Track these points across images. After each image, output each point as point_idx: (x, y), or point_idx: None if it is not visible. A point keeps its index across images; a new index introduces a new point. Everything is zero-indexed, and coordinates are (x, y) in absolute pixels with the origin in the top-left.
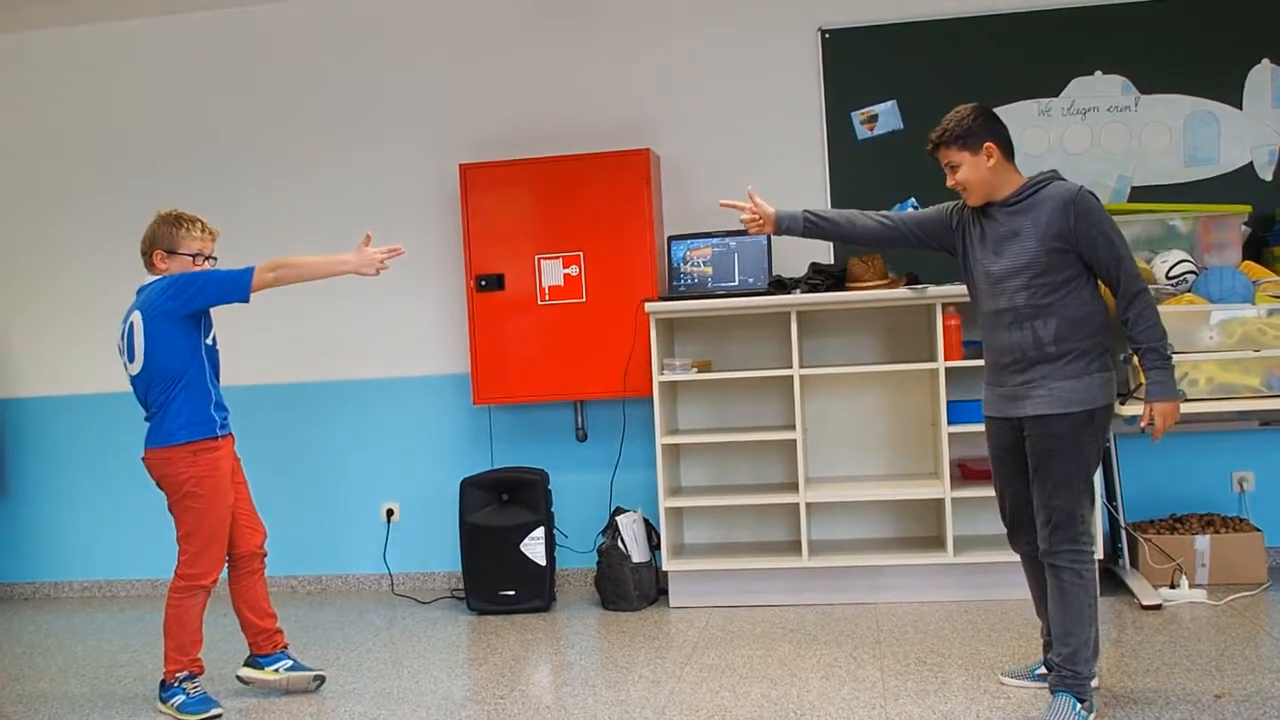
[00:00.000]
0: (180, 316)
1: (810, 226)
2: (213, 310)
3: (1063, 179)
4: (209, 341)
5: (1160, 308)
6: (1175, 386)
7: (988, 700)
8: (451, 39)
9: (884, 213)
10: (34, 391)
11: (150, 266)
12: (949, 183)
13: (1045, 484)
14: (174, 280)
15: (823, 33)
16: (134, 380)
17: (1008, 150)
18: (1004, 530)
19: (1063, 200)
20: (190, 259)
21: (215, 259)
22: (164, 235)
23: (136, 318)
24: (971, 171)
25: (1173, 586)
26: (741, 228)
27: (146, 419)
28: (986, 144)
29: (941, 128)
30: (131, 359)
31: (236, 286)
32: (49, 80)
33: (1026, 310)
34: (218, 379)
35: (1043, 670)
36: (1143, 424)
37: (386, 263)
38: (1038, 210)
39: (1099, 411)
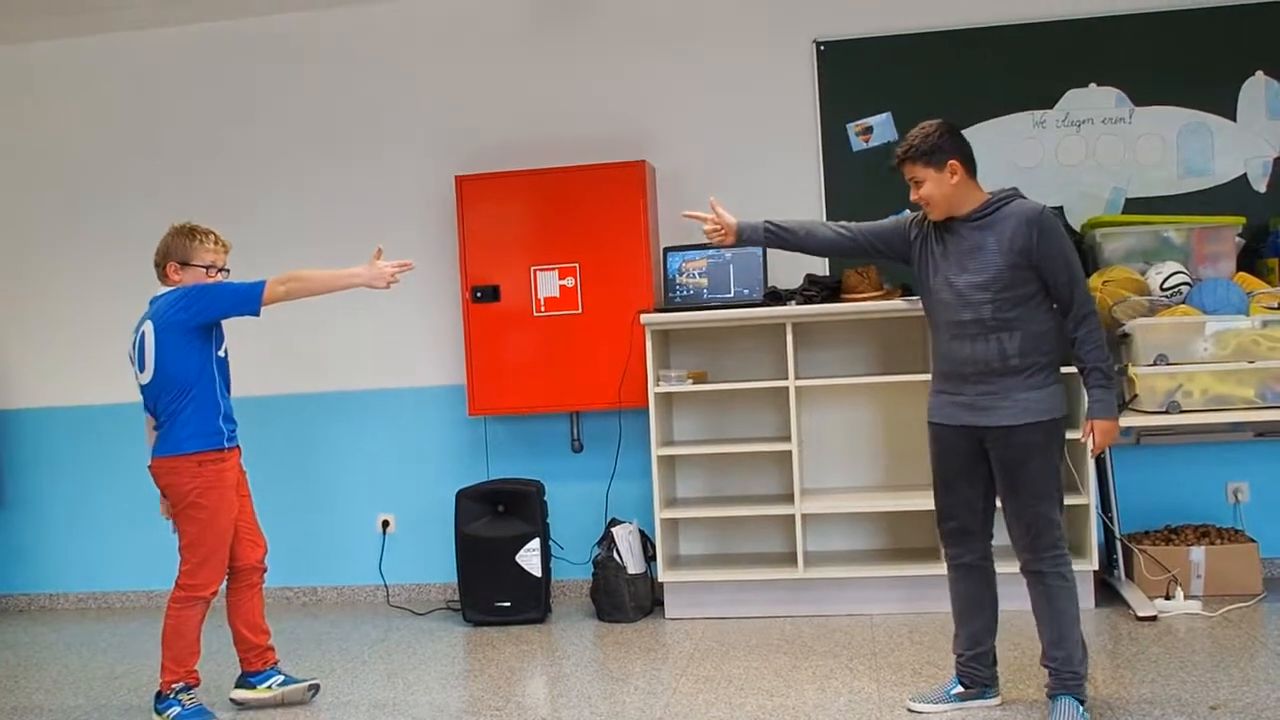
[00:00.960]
0: (191, 328)
1: (770, 236)
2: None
3: (1024, 197)
4: (220, 353)
5: (1155, 319)
6: (1115, 406)
7: (983, 713)
8: (448, 51)
9: (842, 223)
10: (30, 403)
11: (163, 278)
12: (913, 196)
13: (1019, 494)
14: (186, 292)
15: (818, 45)
16: (144, 389)
17: (971, 167)
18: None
19: (1026, 218)
20: (203, 271)
21: (228, 271)
22: (177, 247)
23: (148, 328)
24: (935, 187)
25: (1168, 598)
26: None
27: (155, 428)
28: (951, 161)
29: (907, 143)
30: (142, 369)
31: (248, 299)
32: (49, 92)
33: (993, 323)
34: (229, 391)
35: (959, 690)
36: (1083, 438)
37: (397, 276)
38: (1001, 226)
39: (1061, 420)
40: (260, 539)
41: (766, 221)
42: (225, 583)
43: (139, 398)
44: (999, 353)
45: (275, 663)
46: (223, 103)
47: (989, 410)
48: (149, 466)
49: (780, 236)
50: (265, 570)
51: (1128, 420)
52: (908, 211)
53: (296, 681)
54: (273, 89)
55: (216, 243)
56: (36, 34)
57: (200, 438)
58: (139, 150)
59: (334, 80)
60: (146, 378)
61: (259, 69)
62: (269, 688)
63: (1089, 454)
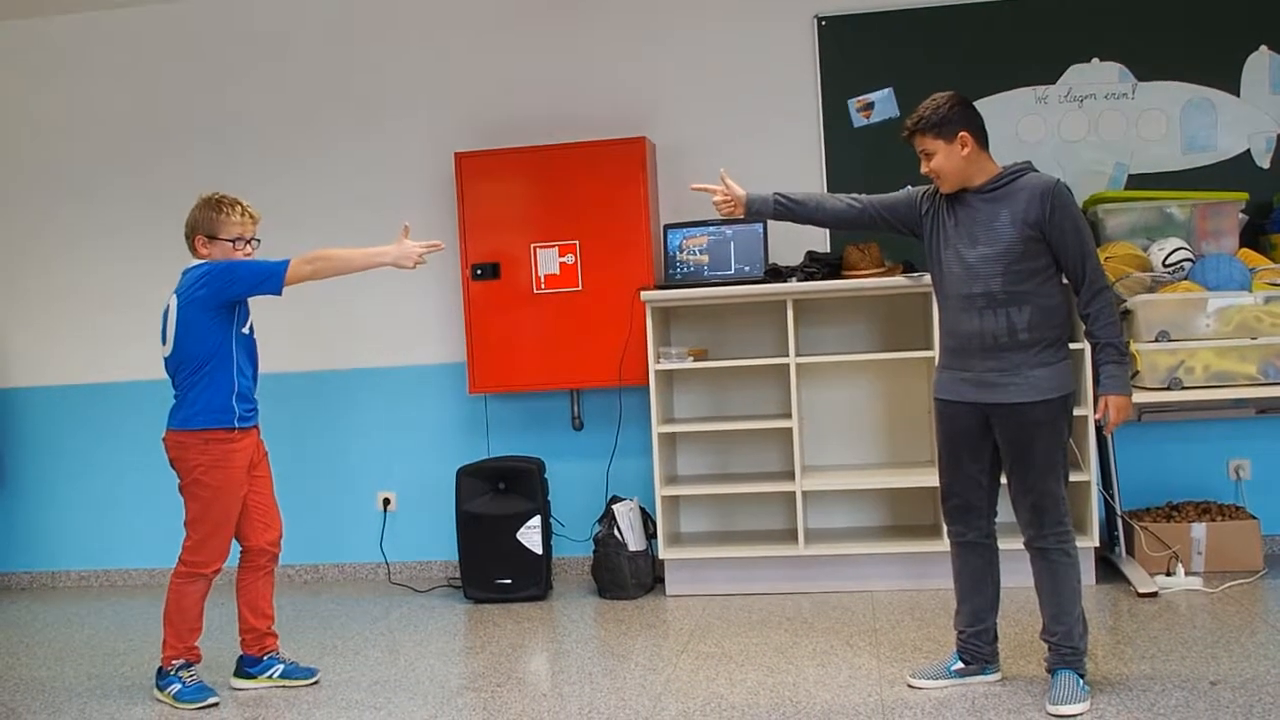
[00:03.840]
0: (213, 305)
1: (779, 208)
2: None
3: (1037, 170)
4: (245, 330)
5: (1157, 295)
6: (1129, 381)
7: (983, 688)
8: (447, 28)
9: (853, 195)
10: (31, 381)
11: (193, 250)
12: (923, 169)
13: (1028, 470)
14: (211, 268)
15: (819, 20)
16: (165, 362)
17: (982, 139)
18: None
19: (1040, 190)
20: (231, 244)
21: (259, 241)
22: (204, 220)
23: (173, 302)
24: (945, 160)
25: (1169, 574)
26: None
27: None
28: (961, 133)
29: (917, 115)
30: (164, 341)
31: (270, 279)
32: (47, 70)
33: (1002, 296)
34: (253, 369)
35: (959, 665)
36: (1097, 416)
37: (424, 257)
38: (1014, 198)
39: (1069, 397)
40: (274, 522)
41: (776, 193)
42: (237, 561)
43: (139, 375)
44: (1008, 327)
45: (274, 650)
46: (224, 78)
47: (997, 387)
48: (163, 438)
49: (790, 209)
50: (276, 554)
51: (1146, 396)
52: (909, 188)
53: (298, 675)
54: (274, 64)
55: (243, 214)
56: (41, 10)
57: (209, 414)
58: (140, 126)
59: (334, 56)
60: (167, 350)
61: (260, 44)
62: (269, 678)
63: (1102, 430)
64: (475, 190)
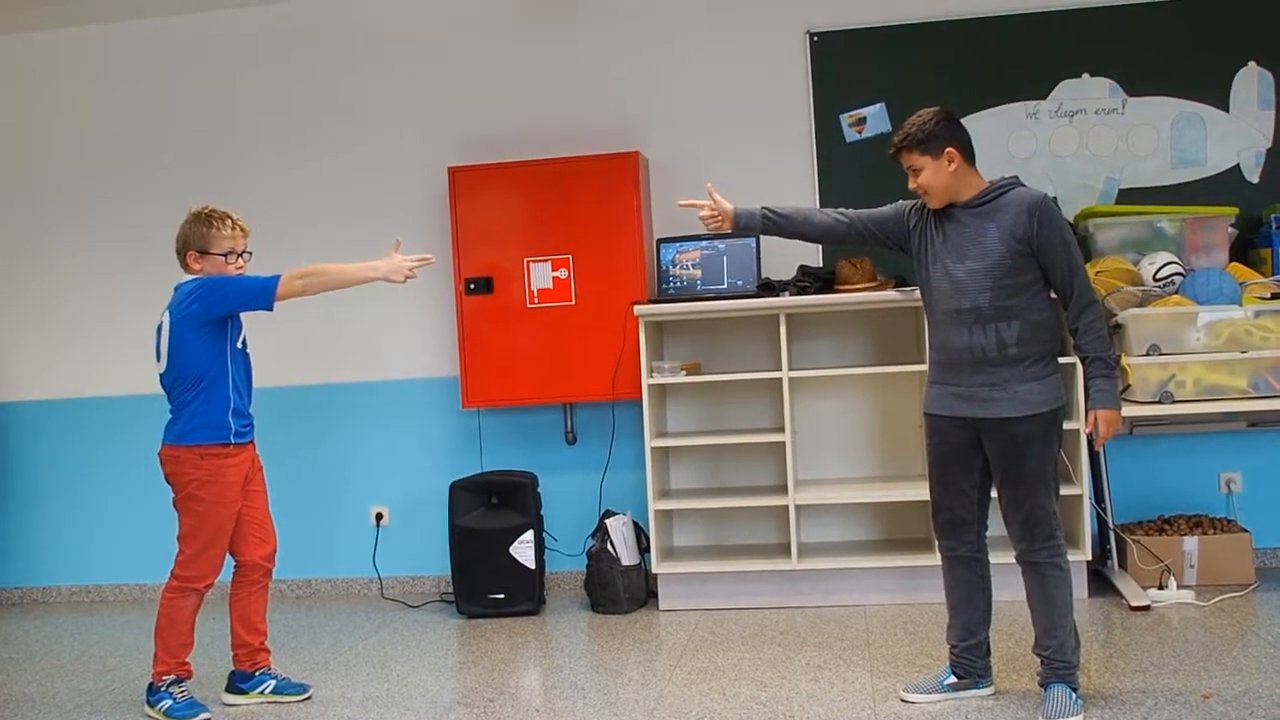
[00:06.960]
0: (204, 321)
1: (768, 223)
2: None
3: (1024, 185)
4: (238, 345)
5: (1148, 309)
6: (1118, 395)
7: (976, 702)
8: (440, 42)
9: (840, 210)
10: (23, 395)
11: (185, 266)
12: (911, 185)
13: (1018, 485)
14: (202, 284)
15: (811, 35)
16: (161, 378)
17: (969, 154)
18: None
19: (1028, 205)
20: (223, 258)
21: (250, 254)
22: (195, 235)
23: (166, 318)
24: (933, 175)
25: (1161, 587)
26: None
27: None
28: (948, 149)
29: (903, 131)
30: (158, 358)
31: (261, 295)
32: (41, 82)
33: (990, 311)
34: (247, 384)
35: (952, 680)
36: (1087, 430)
37: (415, 271)
38: (1002, 213)
39: (1059, 411)
40: (269, 537)
41: (764, 208)
42: (231, 575)
43: (132, 390)
44: (997, 342)
45: (266, 666)
46: (218, 92)
47: (987, 402)
48: (158, 452)
49: (777, 223)
50: (270, 569)
51: (1133, 410)
52: (899, 202)
53: (290, 691)
54: (265, 80)
55: (234, 227)
56: (34, 23)
57: (203, 430)
58: (135, 140)
59: (326, 72)
60: (162, 367)
61: (251, 60)
62: (261, 693)
63: (1092, 444)
64: (468, 204)
